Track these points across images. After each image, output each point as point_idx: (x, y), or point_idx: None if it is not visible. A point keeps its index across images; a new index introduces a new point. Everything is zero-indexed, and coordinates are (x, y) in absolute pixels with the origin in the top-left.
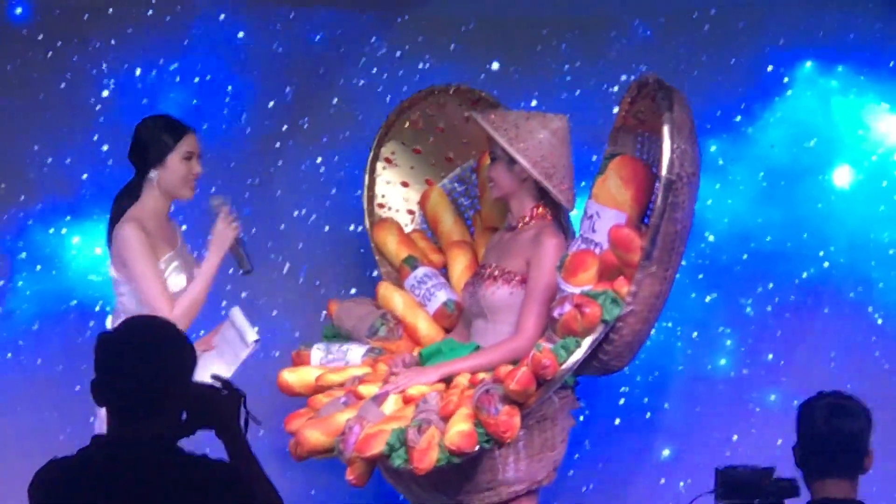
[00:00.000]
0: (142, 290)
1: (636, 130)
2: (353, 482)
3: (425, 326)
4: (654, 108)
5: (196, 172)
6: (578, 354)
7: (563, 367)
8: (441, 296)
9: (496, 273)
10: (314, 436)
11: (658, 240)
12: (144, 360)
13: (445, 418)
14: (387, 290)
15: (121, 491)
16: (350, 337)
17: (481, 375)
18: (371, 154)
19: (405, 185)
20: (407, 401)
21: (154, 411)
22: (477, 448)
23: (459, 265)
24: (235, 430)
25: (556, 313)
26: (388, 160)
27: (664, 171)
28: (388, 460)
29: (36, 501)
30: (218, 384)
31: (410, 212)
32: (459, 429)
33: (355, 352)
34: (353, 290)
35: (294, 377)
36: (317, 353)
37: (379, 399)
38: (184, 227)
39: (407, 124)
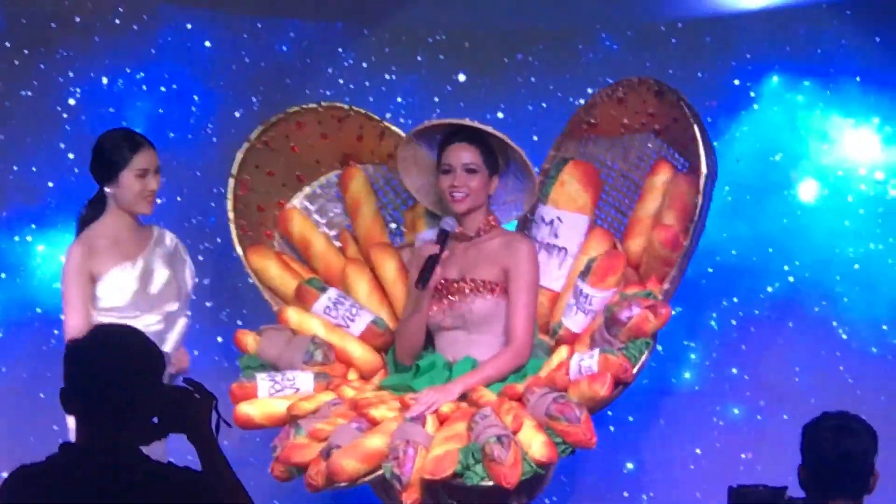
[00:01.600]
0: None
1: (582, 135)
2: None
3: (356, 348)
4: (651, 106)
5: (151, 189)
6: (647, 355)
7: (635, 369)
8: (366, 315)
9: (473, 285)
10: (351, 465)
11: (696, 238)
12: (113, 367)
13: (515, 432)
14: (301, 316)
15: (88, 499)
16: (275, 366)
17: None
18: (232, 180)
19: (261, 209)
20: (442, 420)
21: (123, 418)
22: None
23: (363, 284)
24: (208, 433)
25: (623, 317)
26: (244, 184)
27: (704, 169)
28: (461, 479)
29: None
30: (190, 388)
31: (269, 235)
32: (541, 440)
33: (303, 379)
34: None
35: (254, 409)
36: (263, 383)
37: (419, 420)
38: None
39: (260, 146)
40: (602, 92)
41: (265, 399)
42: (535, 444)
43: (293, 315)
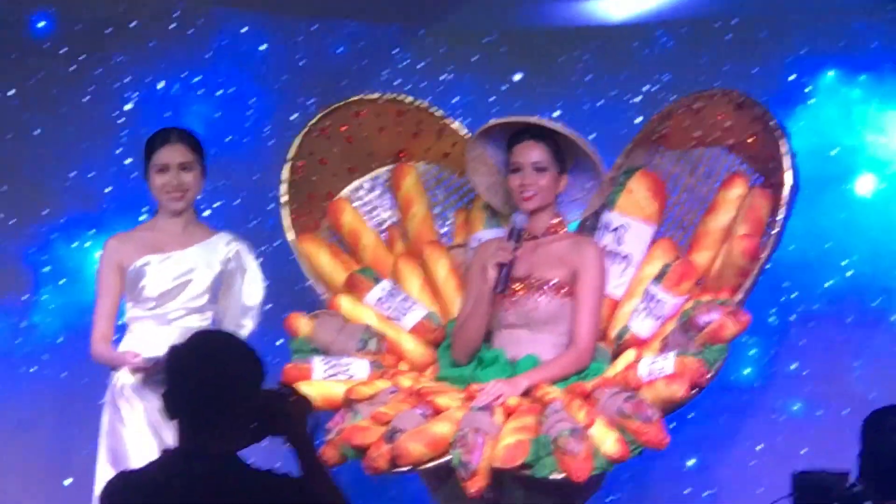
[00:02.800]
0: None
1: (651, 146)
2: (474, 494)
3: (409, 341)
4: (729, 119)
5: (173, 184)
6: (722, 361)
7: (711, 373)
8: (419, 309)
9: (540, 284)
10: (417, 448)
11: (773, 250)
12: (214, 372)
13: (588, 428)
14: (353, 305)
15: None
16: (327, 351)
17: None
18: (288, 164)
19: (311, 197)
20: (508, 412)
21: (224, 423)
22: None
23: (415, 280)
24: (304, 437)
25: (702, 321)
26: (298, 169)
27: (790, 182)
28: (530, 470)
29: None
30: (285, 391)
31: (317, 224)
32: (614, 437)
33: (358, 365)
34: None
35: (311, 390)
36: (319, 365)
37: (488, 410)
38: None
39: (316, 133)
40: (680, 101)
41: (321, 382)
42: (608, 440)
43: (346, 303)
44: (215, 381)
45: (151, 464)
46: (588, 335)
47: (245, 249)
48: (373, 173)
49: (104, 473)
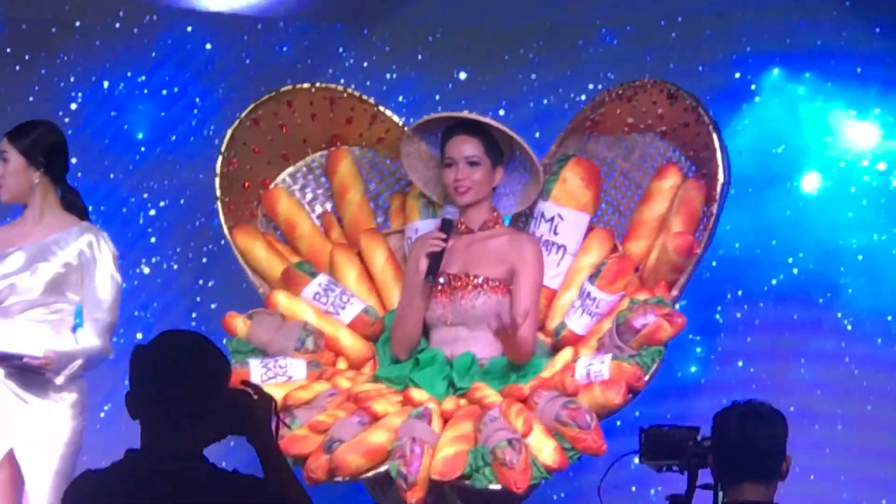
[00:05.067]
0: None
1: (584, 132)
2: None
3: (347, 337)
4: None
5: None
6: (658, 363)
7: (647, 377)
8: (356, 304)
9: (477, 282)
10: (354, 460)
11: (707, 245)
12: (177, 371)
13: (525, 436)
14: (290, 301)
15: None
16: (265, 351)
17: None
18: (221, 157)
19: (245, 187)
20: (446, 418)
21: (187, 424)
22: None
23: (352, 271)
24: (268, 435)
25: (638, 324)
26: (231, 161)
27: (722, 177)
28: (469, 481)
29: None
30: (248, 390)
31: (253, 214)
32: (552, 446)
33: (295, 366)
34: None
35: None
36: (256, 369)
37: (426, 418)
38: None
39: (248, 124)
40: (612, 90)
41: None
42: (545, 449)
43: (282, 299)
44: (181, 380)
45: (116, 463)
46: (528, 333)
47: (98, 241)
48: (307, 158)
49: None
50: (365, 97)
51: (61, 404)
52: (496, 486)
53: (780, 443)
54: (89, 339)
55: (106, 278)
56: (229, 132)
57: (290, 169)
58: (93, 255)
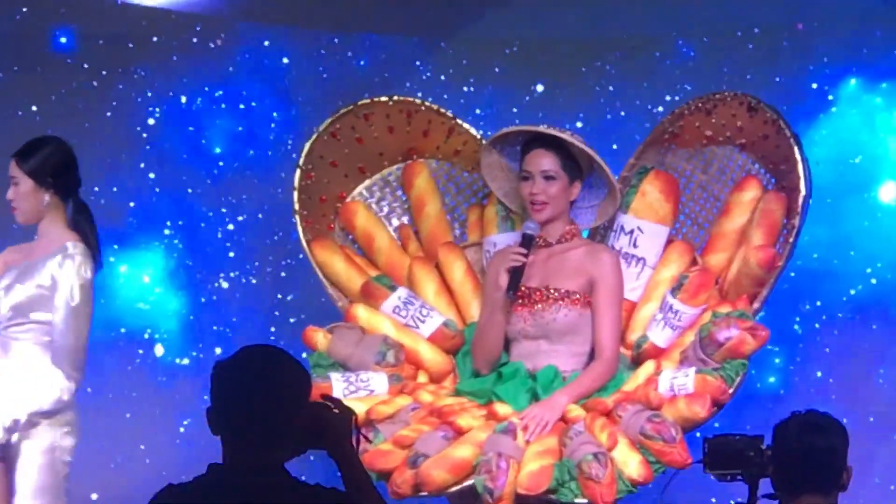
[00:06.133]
0: None
1: (662, 145)
2: None
3: (427, 350)
4: (741, 120)
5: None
6: (742, 376)
7: (731, 390)
8: (437, 317)
9: (557, 295)
10: (441, 475)
11: (789, 258)
12: (260, 386)
13: (610, 450)
14: (370, 314)
15: None
16: (345, 365)
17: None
18: (298, 171)
19: (323, 200)
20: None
21: (270, 439)
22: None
23: (430, 284)
24: (348, 449)
25: (721, 337)
26: (309, 175)
27: (804, 189)
28: (554, 495)
29: None
30: (329, 404)
31: (330, 227)
32: (637, 459)
33: (377, 380)
34: None
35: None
36: (338, 383)
37: (511, 433)
38: None
39: (326, 137)
40: (691, 103)
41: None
42: (631, 463)
43: (362, 313)
44: (264, 396)
45: (199, 477)
46: (613, 345)
47: (64, 263)
48: (384, 171)
49: None
50: (442, 110)
51: (53, 420)
52: (582, 501)
53: (840, 453)
54: (49, 371)
55: (62, 301)
56: (307, 145)
57: (367, 182)
58: (55, 279)
